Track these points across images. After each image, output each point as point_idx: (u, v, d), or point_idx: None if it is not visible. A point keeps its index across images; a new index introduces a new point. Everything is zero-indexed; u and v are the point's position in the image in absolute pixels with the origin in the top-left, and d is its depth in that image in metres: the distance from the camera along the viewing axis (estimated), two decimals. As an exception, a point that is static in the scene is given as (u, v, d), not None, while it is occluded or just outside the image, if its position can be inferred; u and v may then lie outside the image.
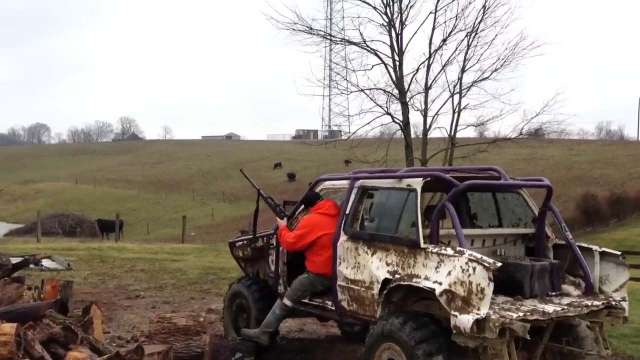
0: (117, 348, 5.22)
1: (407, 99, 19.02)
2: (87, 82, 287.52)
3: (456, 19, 18.82)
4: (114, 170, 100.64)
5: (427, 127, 19.50)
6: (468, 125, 20.29)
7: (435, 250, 5.08)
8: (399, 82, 19.11)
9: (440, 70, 19.32)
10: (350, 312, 5.94)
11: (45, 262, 16.24)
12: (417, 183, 5.46)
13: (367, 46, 19.39)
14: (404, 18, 19.07)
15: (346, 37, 19.00)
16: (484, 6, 18.67)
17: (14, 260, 10.18)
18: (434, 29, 19.14)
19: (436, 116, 19.72)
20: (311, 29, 18.54)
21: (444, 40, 19.05)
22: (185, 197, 72.99)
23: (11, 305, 5.53)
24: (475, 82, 19.34)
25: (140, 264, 17.15)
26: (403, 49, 19.16)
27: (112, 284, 13.18)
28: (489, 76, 19.21)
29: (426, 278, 5.07)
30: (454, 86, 19.58)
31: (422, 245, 5.16)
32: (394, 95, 19.13)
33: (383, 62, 19.27)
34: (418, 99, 19.67)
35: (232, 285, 7.52)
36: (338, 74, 18.82)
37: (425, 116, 19.42)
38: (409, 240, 5.29)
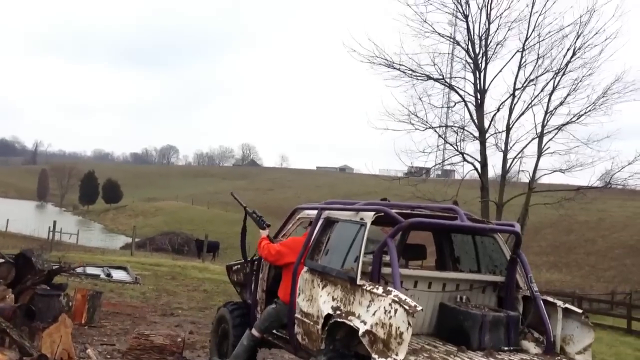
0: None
1: (486, 138, 18.31)
2: (216, 108, 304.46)
3: (542, 59, 17.95)
4: (228, 193, 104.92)
5: (507, 169, 18.61)
6: (554, 171, 19.07)
7: (369, 288, 4.84)
8: (479, 120, 18.48)
9: (524, 111, 18.44)
10: (303, 346, 5.77)
11: (117, 275, 17.25)
12: (368, 217, 5.26)
13: (447, 83, 18.99)
14: (488, 55, 18.50)
15: (426, 73, 18.68)
16: (573, 47, 17.69)
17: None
18: (519, 67, 18.35)
19: (518, 159, 18.78)
20: (392, 63, 18.47)
21: (529, 80, 18.21)
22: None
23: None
24: (561, 126, 18.23)
25: (206, 285, 17.69)
26: (485, 87, 18.55)
27: (163, 300, 13.67)
28: (577, 120, 18.08)
29: (358, 316, 4.84)
30: (541, 129, 18.60)
31: (358, 281, 4.94)
32: (472, 134, 18.52)
33: (463, 100, 18.76)
34: (501, 138, 18.84)
35: (219, 309, 7.57)
36: (409, 110, 18.43)
37: (504, 157, 18.56)
38: (349, 276, 5.08)
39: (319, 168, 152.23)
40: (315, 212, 6.33)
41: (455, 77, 19.31)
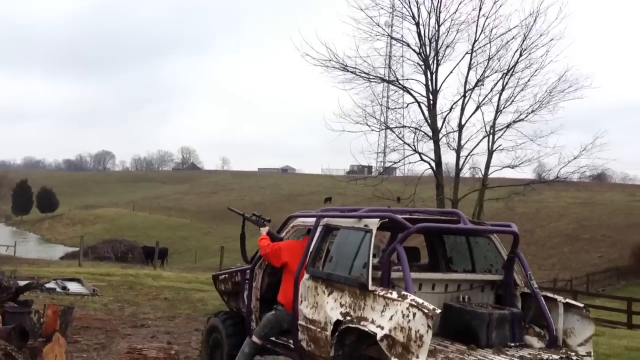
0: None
1: (440, 138, 18.78)
2: (152, 112, 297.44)
3: (491, 60, 18.58)
4: (170, 198, 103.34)
5: (460, 166, 19.17)
6: (504, 167, 19.78)
7: (382, 293, 4.95)
8: (432, 120, 18.92)
9: (475, 110, 19.04)
10: (309, 352, 5.82)
11: (72, 287, 16.71)
12: (373, 224, 5.37)
13: (400, 84, 19.36)
14: (439, 57, 18.97)
15: (380, 75, 19.00)
16: (520, 48, 18.37)
17: (22, 284, 10.39)
18: (469, 69, 18.91)
19: (470, 156, 19.36)
20: (346, 66, 18.67)
21: (479, 81, 18.80)
22: (236, 227, 73.26)
23: (-29, 328, 5.71)
24: (510, 123, 18.92)
25: (166, 293, 17.37)
26: (437, 88, 19.01)
27: (128, 311, 13.37)
28: (525, 118, 18.81)
29: (372, 322, 4.94)
30: (491, 127, 19.24)
31: (370, 287, 5.04)
32: (426, 134, 18.95)
33: (416, 101, 19.15)
34: (453, 138, 19.39)
35: (209, 318, 7.52)
36: (365, 111, 18.70)
37: (458, 156, 19.08)
38: (359, 282, 5.17)
39: (260, 170, 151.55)
40: (310, 219, 6.40)
41: (408, 79, 19.69)
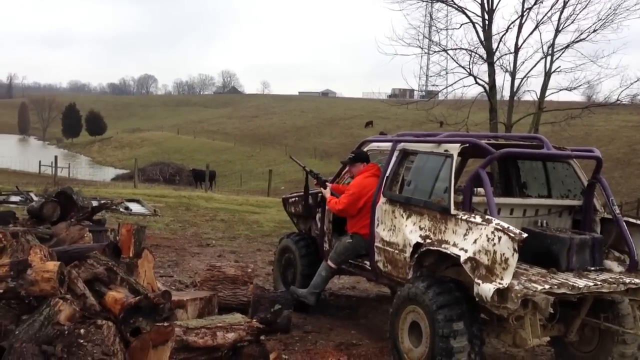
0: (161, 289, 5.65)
1: (495, 60, 18.26)
2: (193, 36, 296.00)
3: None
4: (213, 122, 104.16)
5: (515, 89, 18.69)
6: (560, 90, 19.22)
7: (464, 217, 5.03)
8: (487, 41, 18.34)
9: (533, 30, 18.34)
10: (386, 273, 6.03)
11: (134, 207, 17.37)
12: (454, 149, 5.39)
13: (455, 3, 18.72)
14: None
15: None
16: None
17: (95, 204, 10.85)
18: (528, -16, 18.12)
19: (526, 79, 18.82)
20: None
21: (539, -3, 18.01)
22: (278, 151, 74.43)
23: (69, 246, 6.06)
24: (570, 43, 18.20)
25: (221, 214, 17.90)
26: (494, 7, 18.33)
27: (189, 232, 13.90)
28: (586, 37, 18.05)
29: (454, 245, 5.05)
30: (548, 47, 18.57)
31: (453, 211, 5.13)
32: (481, 56, 18.43)
33: (471, 21, 18.53)
34: (507, 60, 18.82)
35: (281, 239, 7.79)
36: (420, 32, 18.28)
37: (513, 78, 18.58)
38: (440, 206, 5.26)
39: (301, 93, 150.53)
40: (385, 144, 6.46)
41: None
